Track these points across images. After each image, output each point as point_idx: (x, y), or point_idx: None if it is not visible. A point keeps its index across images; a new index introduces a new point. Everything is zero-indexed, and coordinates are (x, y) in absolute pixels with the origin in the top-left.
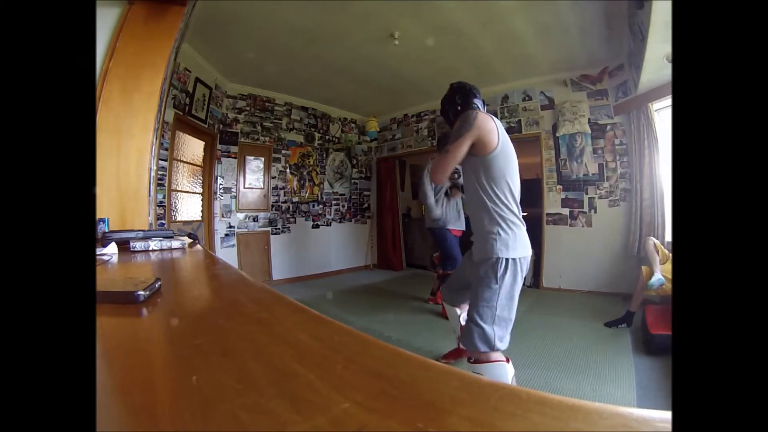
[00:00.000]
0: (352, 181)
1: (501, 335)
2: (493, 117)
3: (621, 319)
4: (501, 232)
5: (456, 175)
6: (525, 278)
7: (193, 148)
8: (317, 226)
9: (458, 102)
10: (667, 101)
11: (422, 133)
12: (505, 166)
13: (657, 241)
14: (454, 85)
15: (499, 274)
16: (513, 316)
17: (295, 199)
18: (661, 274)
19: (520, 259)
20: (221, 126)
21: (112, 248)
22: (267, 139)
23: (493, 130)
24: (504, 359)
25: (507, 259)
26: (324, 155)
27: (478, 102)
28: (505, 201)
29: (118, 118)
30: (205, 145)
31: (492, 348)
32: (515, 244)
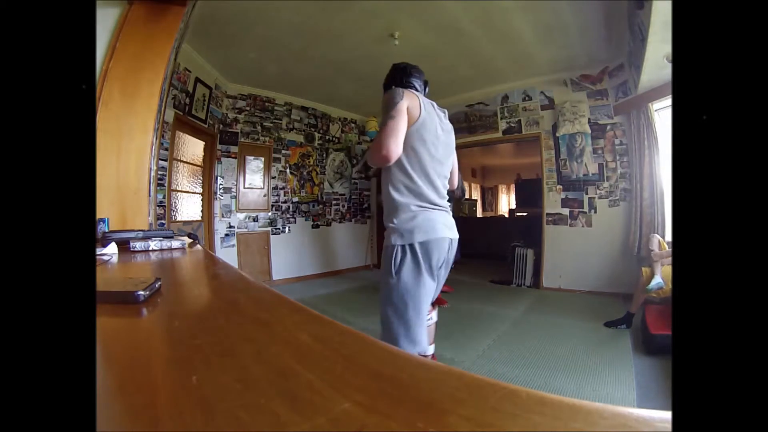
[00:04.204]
0: (352, 181)
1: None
2: (419, 95)
3: (621, 320)
4: (401, 214)
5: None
6: (525, 277)
7: (193, 148)
8: (317, 226)
9: (400, 80)
10: (667, 101)
11: None
12: (425, 137)
13: (661, 238)
14: (399, 65)
15: (396, 265)
16: (420, 313)
17: (295, 199)
18: (660, 277)
19: (420, 243)
20: (221, 126)
21: (112, 248)
22: (267, 139)
23: (417, 105)
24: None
25: (404, 246)
26: (324, 155)
27: (416, 81)
28: (416, 179)
29: (118, 118)
30: (205, 145)
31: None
32: (415, 227)
